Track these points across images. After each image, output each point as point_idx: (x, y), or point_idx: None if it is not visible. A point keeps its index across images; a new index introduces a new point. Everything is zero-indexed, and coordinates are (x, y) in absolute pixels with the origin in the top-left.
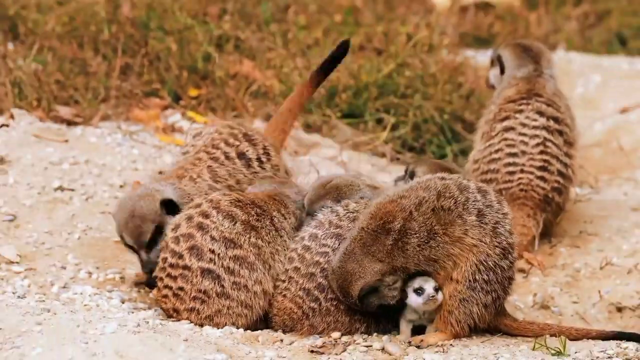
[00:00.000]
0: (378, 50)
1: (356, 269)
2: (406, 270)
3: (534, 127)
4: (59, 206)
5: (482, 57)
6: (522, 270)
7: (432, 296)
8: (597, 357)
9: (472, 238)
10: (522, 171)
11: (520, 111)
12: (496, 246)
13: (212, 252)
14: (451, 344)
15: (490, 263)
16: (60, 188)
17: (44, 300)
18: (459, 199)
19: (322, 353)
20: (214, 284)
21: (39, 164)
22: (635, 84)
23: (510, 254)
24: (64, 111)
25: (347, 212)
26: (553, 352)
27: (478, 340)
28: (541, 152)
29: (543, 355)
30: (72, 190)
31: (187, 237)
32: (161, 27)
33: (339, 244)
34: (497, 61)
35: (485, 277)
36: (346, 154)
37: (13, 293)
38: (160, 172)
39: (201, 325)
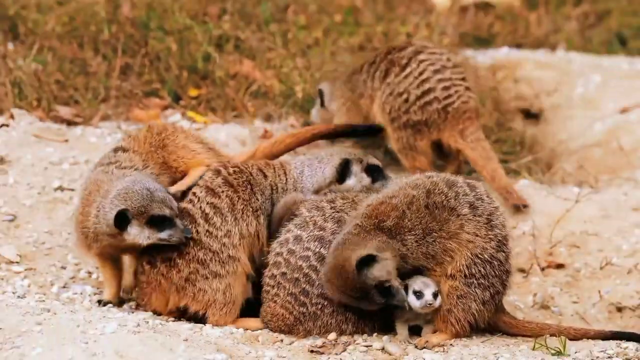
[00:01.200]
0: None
1: (351, 248)
2: (405, 259)
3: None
4: (59, 206)
5: (482, 57)
6: (522, 270)
7: (430, 303)
8: (597, 357)
9: (468, 232)
10: (454, 85)
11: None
12: (491, 239)
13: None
14: (451, 344)
15: (486, 256)
16: (60, 188)
17: (44, 300)
18: (449, 194)
19: (322, 353)
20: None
21: (39, 164)
22: (635, 84)
23: (505, 246)
24: (64, 111)
25: (333, 212)
26: (553, 352)
27: (478, 340)
28: (454, 66)
29: (543, 355)
30: (72, 190)
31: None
32: (161, 27)
33: (322, 248)
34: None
35: (482, 270)
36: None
37: (13, 293)
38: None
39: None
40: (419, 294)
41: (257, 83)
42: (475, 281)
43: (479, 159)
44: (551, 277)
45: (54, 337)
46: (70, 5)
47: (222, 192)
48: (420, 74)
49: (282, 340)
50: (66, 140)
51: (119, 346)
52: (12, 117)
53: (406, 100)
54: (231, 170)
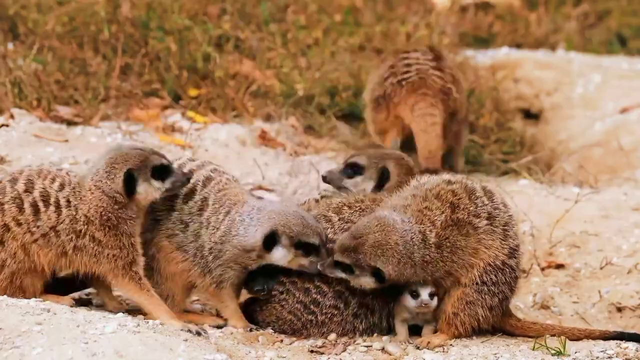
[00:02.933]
0: (378, 50)
1: (396, 257)
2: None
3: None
4: None
5: (482, 57)
6: (522, 270)
7: (426, 304)
8: (597, 357)
9: (485, 246)
10: (417, 63)
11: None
12: (505, 247)
13: None
14: (451, 344)
15: (498, 263)
16: None
17: (44, 300)
18: (470, 207)
19: (322, 353)
20: None
21: (39, 164)
22: (635, 84)
23: (517, 252)
24: (64, 111)
25: (342, 223)
26: (553, 352)
27: (478, 340)
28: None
29: (543, 355)
30: None
31: None
32: (161, 27)
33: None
34: None
35: (494, 278)
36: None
37: None
38: None
39: None
40: (415, 294)
41: (257, 83)
42: (486, 288)
43: (419, 133)
44: (551, 277)
45: (54, 337)
46: (70, 5)
47: None
48: (396, 65)
49: (282, 341)
50: (66, 140)
51: (119, 346)
52: (12, 117)
53: (378, 83)
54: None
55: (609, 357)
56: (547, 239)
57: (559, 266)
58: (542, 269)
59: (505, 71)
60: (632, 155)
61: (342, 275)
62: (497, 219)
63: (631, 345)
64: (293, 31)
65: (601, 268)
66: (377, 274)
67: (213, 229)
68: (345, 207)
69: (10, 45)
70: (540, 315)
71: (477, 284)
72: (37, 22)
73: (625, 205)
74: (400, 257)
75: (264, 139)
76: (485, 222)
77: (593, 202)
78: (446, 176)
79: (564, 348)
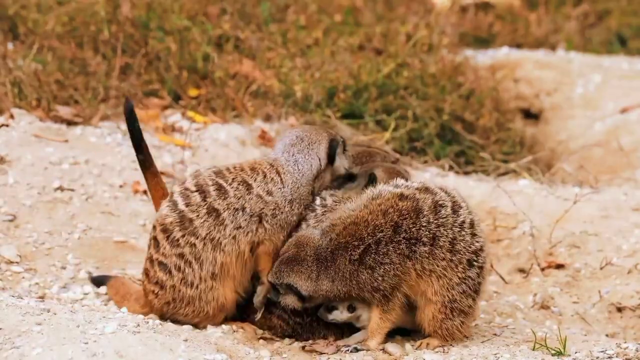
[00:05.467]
0: (378, 50)
1: (306, 272)
2: (348, 297)
3: None
4: (59, 206)
5: (482, 57)
6: (522, 270)
7: (332, 319)
8: (597, 357)
9: (430, 269)
10: None
11: None
12: (458, 264)
13: (164, 247)
14: (451, 344)
15: (455, 280)
16: (60, 188)
17: (44, 300)
18: (412, 229)
19: (315, 350)
20: (167, 276)
21: (39, 164)
22: (635, 84)
23: (476, 262)
24: (64, 111)
25: (325, 210)
26: (553, 352)
27: (478, 340)
28: None
29: (543, 355)
30: (72, 190)
31: (153, 228)
32: (161, 27)
33: None
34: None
35: (455, 293)
36: None
37: (13, 294)
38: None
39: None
40: (331, 307)
41: (257, 83)
42: (450, 304)
43: None
44: (551, 277)
45: (54, 337)
46: (70, 5)
47: None
48: None
49: (282, 341)
50: (66, 140)
51: (119, 346)
52: (12, 117)
53: None
54: None
55: (609, 357)
56: (547, 239)
57: (559, 266)
58: (542, 269)
59: (505, 71)
60: (632, 155)
61: (276, 297)
62: (441, 238)
63: (631, 345)
64: (293, 31)
65: (601, 268)
66: (296, 291)
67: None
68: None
69: (10, 45)
70: (540, 315)
71: (441, 302)
72: (37, 22)
73: (625, 205)
74: (311, 272)
75: (264, 139)
76: (425, 248)
77: (593, 202)
78: (400, 189)
79: (564, 348)
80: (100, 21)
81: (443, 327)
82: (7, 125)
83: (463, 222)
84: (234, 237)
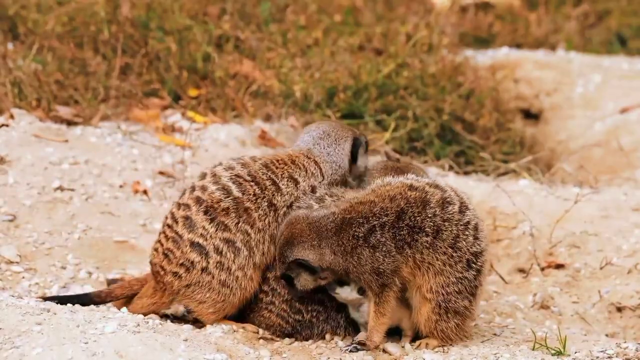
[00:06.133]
0: (378, 50)
1: (307, 241)
2: (347, 274)
3: None
4: (59, 206)
5: (482, 57)
6: (522, 270)
7: (335, 292)
8: (597, 357)
9: (428, 262)
10: None
11: None
12: (457, 262)
13: (204, 228)
14: (451, 344)
15: (453, 279)
16: (60, 188)
17: (44, 300)
18: (417, 218)
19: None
20: (201, 258)
21: (39, 164)
22: (635, 84)
23: (474, 264)
24: (64, 111)
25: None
26: (553, 352)
27: (478, 340)
28: None
29: (543, 355)
30: (72, 190)
31: (185, 206)
32: (161, 27)
33: None
34: None
35: (451, 293)
36: None
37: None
38: (161, 173)
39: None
40: (343, 283)
41: (257, 83)
42: (444, 304)
43: None
44: (551, 277)
45: (54, 337)
46: (70, 5)
47: None
48: None
49: (282, 341)
50: (66, 140)
51: (119, 346)
52: (12, 117)
53: None
54: None
55: (609, 357)
56: (547, 239)
57: (559, 266)
58: (542, 269)
59: (505, 71)
60: (632, 155)
61: (290, 286)
62: (444, 232)
63: (631, 345)
64: (293, 31)
65: (601, 268)
66: (305, 265)
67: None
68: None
69: (10, 45)
70: (540, 315)
71: (435, 301)
72: (37, 22)
73: (625, 205)
74: (312, 240)
75: (264, 139)
76: (427, 238)
77: (593, 202)
78: (410, 181)
79: (564, 348)
80: (100, 21)
81: (438, 329)
82: (7, 125)
83: (468, 222)
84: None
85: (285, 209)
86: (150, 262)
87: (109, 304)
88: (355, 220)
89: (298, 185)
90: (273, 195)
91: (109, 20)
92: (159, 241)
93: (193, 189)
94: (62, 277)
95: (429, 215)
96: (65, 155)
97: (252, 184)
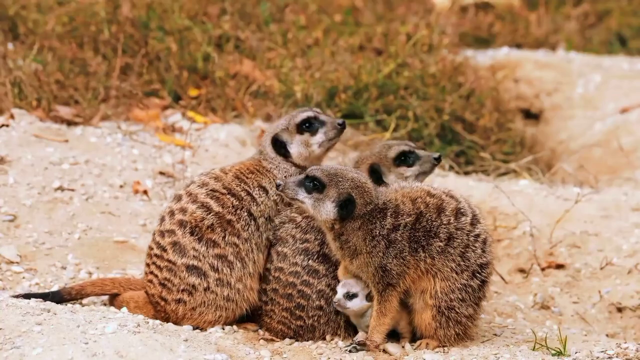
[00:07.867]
0: (378, 50)
1: (366, 193)
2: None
3: None
4: (59, 206)
5: (482, 57)
6: (522, 270)
7: (337, 302)
8: (598, 357)
9: (437, 267)
10: None
11: None
12: (464, 270)
13: (195, 249)
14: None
15: (459, 285)
16: (60, 188)
17: (44, 300)
18: (434, 222)
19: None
20: (201, 279)
21: (39, 164)
22: (635, 84)
23: (480, 274)
24: (64, 111)
25: (310, 220)
26: (553, 352)
27: (478, 340)
28: None
29: (543, 355)
30: (72, 190)
31: (169, 233)
32: (161, 27)
33: (309, 260)
34: None
35: (454, 299)
36: (346, 154)
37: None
38: (161, 173)
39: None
40: (352, 295)
41: (257, 83)
42: (446, 312)
43: None
44: (551, 277)
45: (54, 337)
46: (70, 5)
47: None
48: None
49: (282, 341)
50: (66, 140)
51: (119, 346)
52: (12, 117)
53: None
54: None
55: (609, 357)
56: (547, 239)
57: (559, 266)
58: (542, 269)
59: (505, 71)
60: (632, 155)
61: (302, 195)
62: (456, 240)
63: (631, 345)
64: (293, 31)
65: (601, 268)
66: (342, 204)
67: None
68: None
69: (10, 45)
70: (540, 315)
71: (438, 306)
72: (37, 22)
73: (625, 205)
74: (369, 202)
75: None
76: (440, 243)
77: (593, 202)
78: (429, 187)
79: (565, 348)
80: (100, 21)
81: (439, 334)
82: (7, 125)
83: (478, 235)
84: (267, 239)
85: (262, 219)
86: (147, 294)
87: (109, 304)
88: (382, 214)
89: (268, 195)
90: (250, 205)
91: (109, 20)
92: (151, 272)
93: (172, 213)
94: (62, 277)
95: (444, 222)
96: (66, 155)
97: (228, 196)
